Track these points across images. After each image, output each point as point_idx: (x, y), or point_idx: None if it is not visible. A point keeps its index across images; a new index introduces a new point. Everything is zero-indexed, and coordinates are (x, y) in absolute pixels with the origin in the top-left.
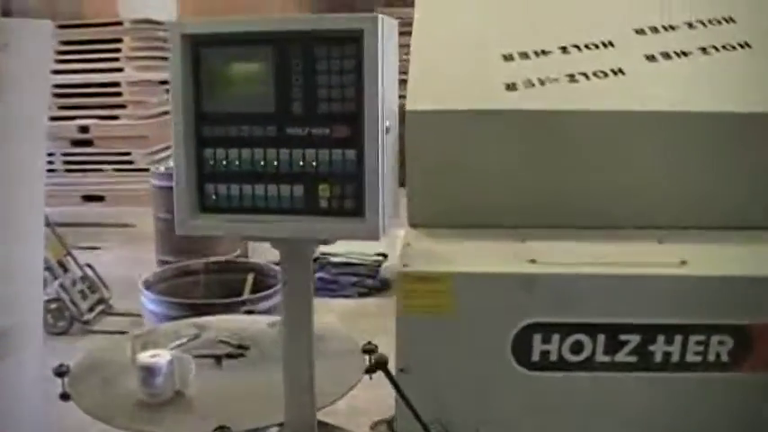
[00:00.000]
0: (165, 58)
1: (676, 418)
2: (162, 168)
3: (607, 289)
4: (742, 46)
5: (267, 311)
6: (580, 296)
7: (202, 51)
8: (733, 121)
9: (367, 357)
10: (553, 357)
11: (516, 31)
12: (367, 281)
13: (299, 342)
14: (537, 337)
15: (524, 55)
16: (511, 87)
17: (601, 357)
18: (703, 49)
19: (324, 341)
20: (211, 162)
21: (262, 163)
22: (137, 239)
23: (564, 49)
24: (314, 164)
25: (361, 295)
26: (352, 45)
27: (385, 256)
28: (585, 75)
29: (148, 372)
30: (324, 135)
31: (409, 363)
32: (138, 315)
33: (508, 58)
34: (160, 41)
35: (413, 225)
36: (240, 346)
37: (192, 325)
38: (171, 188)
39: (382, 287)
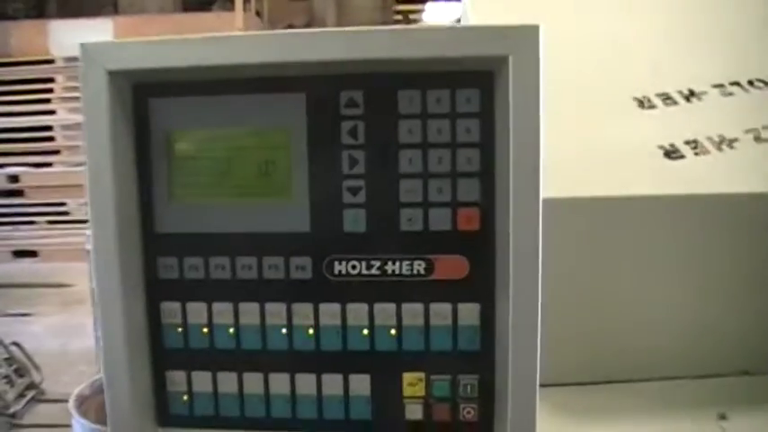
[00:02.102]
0: None
1: None
2: None
3: None
4: None
5: None
6: None
7: (156, 104)
8: None
9: None
10: None
11: (635, 61)
12: None
13: None
14: None
15: (667, 98)
16: (672, 154)
17: None
18: None
19: None
20: (178, 329)
21: (283, 331)
22: (74, 302)
23: (722, 89)
24: (393, 332)
25: None
26: (476, 88)
27: None
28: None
29: None
30: (413, 275)
31: None
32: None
33: (643, 103)
34: None
35: None
36: None
37: None
38: None
39: None
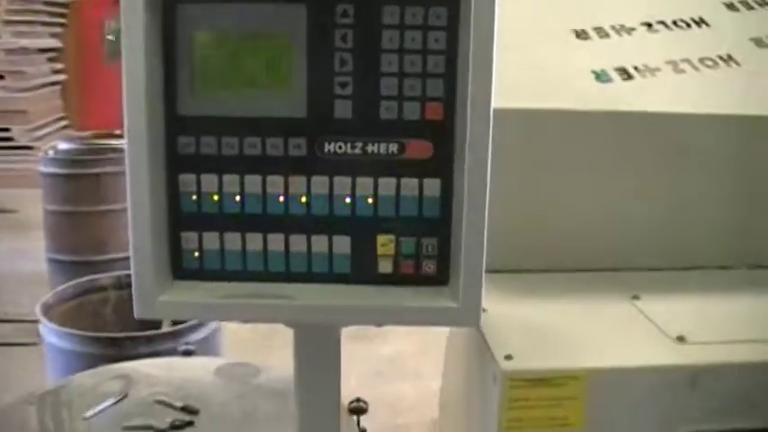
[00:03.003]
0: (46, 23)
1: None
2: (51, 152)
3: None
4: None
5: (203, 342)
6: (754, 391)
7: (182, 10)
8: None
9: (355, 418)
10: None
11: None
12: None
13: None
14: None
15: (602, 32)
16: (602, 77)
17: None
18: None
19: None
20: (193, 196)
21: (281, 199)
22: (21, 228)
23: (649, 26)
24: (370, 201)
25: None
26: (444, 7)
27: None
28: (690, 63)
29: None
30: (389, 155)
31: None
32: (32, 321)
33: (581, 34)
34: (40, 3)
35: None
36: (186, 409)
37: (114, 376)
38: (63, 176)
39: None
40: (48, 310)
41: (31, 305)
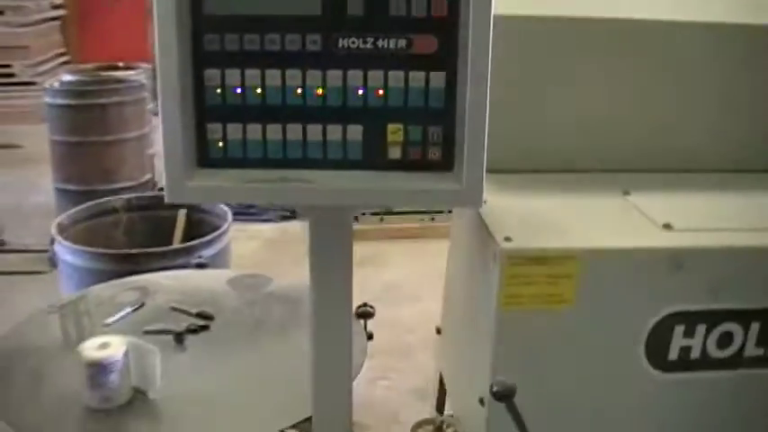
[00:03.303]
0: None
1: None
2: (56, 84)
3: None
4: None
5: (213, 258)
6: (736, 275)
7: None
8: None
9: (362, 322)
10: (695, 354)
11: None
12: None
13: (334, 335)
14: (679, 330)
15: None
16: None
17: (752, 351)
18: None
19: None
20: (218, 90)
21: (298, 91)
22: (25, 162)
23: None
24: (381, 92)
25: (283, 218)
26: None
27: None
28: None
29: (99, 369)
30: (398, 50)
31: (514, 374)
32: (40, 251)
33: None
34: None
35: None
36: (201, 315)
37: (131, 287)
38: (69, 107)
39: None
40: (62, 230)
41: (37, 236)
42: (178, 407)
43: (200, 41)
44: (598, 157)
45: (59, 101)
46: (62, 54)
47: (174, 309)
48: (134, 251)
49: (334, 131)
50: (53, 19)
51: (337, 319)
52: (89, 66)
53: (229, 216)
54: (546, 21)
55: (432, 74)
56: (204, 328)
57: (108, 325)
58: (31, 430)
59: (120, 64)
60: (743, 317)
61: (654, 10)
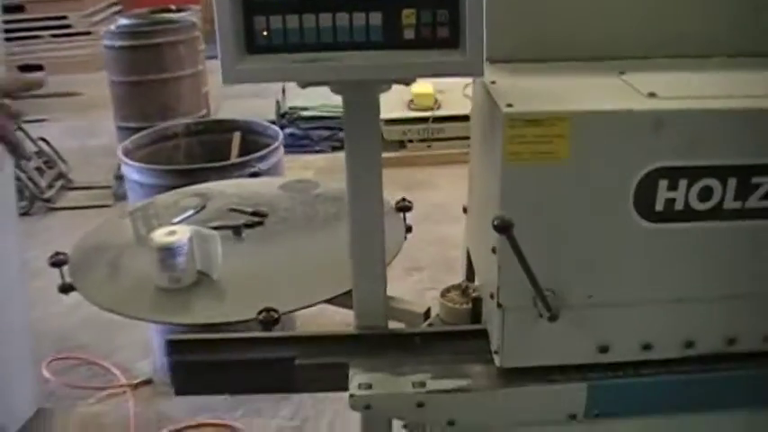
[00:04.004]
0: None
1: None
2: (113, 27)
3: (740, 125)
4: None
5: (268, 171)
6: (712, 135)
7: None
8: None
9: (402, 215)
10: (678, 206)
11: None
12: (339, 134)
13: (369, 207)
14: (663, 184)
15: None
16: None
17: (731, 204)
18: None
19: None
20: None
21: None
22: (86, 108)
23: None
24: None
25: (335, 149)
26: None
27: None
28: None
29: (168, 252)
30: None
31: (517, 218)
32: (104, 187)
33: None
34: None
35: None
36: (256, 213)
37: (192, 194)
38: (125, 47)
39: None
40: (127, 154)
41: (101, 174)
42: (238, 286)
43: None
44: (599, 46)
45: (117, 43)
46: (114, 4)
47: (232, 209)
48: (194, 166)
49: (359, 18)
50: None
51: (371, 185)
52: (143, 10)
53: (280, 135)
54: None
55: None
56: (259, 223)
57: (174, 224)
58: (111, 306)
59: (173, 7)
60: (720, 172)
61: None
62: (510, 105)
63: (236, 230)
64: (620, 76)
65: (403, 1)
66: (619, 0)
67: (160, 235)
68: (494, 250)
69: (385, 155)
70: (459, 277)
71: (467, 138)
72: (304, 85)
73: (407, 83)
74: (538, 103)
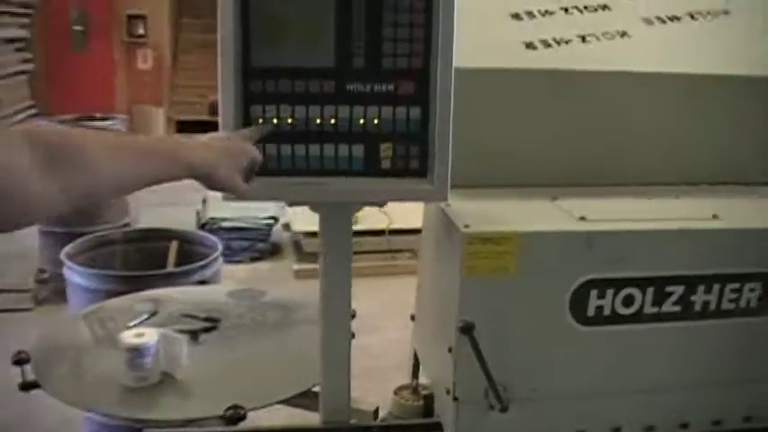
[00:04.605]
0: (12, 14)
1: (711, 361)
2: None
3: (655, 244)
4: (723, 12)
5: (209, 280)
6: (633, 251)
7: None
8: (743, 84)
9: None
10: (606, 312)
11: None
12: (258, 245)
13: (339, 313)
14: (593, 293)
15: (530, 14)
16: (530, 46)
17: (649, 309)
18: (691, 15)
19: (294, 310)
20: (260, 121)
21: (318, 121)
22: None
23: (566, 10)
24: (376, 122)
25: (254, 260)
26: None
27: (275, 219)
28: (595, 36)
29: (136, 353)
30: (387, 92)
31: (472, 324)
32: (22, 291)
33: (515, 17)
34: None
35: None
36: (209, 319)
37: (144, 299)
38: None
39: (274, 251)
40: (70, 257)
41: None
42: (201, 385)
43: (248, 85)
44: (536, 175)
45: None
46: (31, 107)
47: (185, 315)
48: (142, 273)
49: (343, 149)
50: (22, 73)
51: (342, 287)
52: (68, 116)
53: (219, 245)
54: (494, 71)
55: (411, 108)
56: (213, 328)
57: (130, 327)
58: (80, 403)
59: (98, 115)
60: (640, 282)
61: (570, 61)
62: (467, 226)
63: (194, 335)
64: (554, 201)
65: (382, 136)
66: (555, 142)
67: (128, 336)
68: (450, 350)
69: (304, 266)
70: (389, 385)
71: (385, 251)
72: (290, 203)
73: (381, 205)
74: (490, 224)
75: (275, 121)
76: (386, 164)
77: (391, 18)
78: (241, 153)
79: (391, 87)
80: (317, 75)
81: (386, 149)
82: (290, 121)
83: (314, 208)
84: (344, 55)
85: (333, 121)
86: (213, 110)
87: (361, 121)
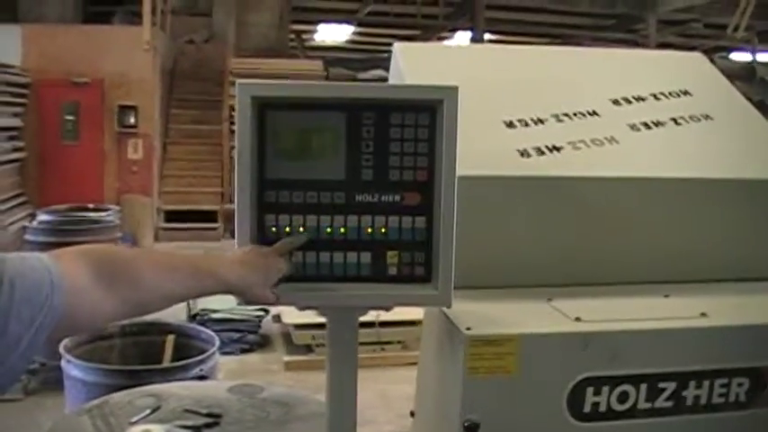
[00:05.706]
0: (7, 103)
1: None
2: (35, 222)
3: (647, 342)
4: (705, 117)
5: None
6: (626, 350)
7: (270, 114)
8: (727, 187)
9: None
10: (602, 408)
11: (507, 99)
12: (248, 336)
13: (344, 410)
14: (590, 390)
15: (524, 122)
16: (524, 154)
17: (643, 405)
18: (674, 120)
19: (294, 406)
20: (273, 228)
21: (328, 230)
22: None
23: (557, 117)
24: (383, 231)
25: (243, 351)
26: (427, 114)
27: (266, 311)
28: (585, 143)
29: None
30: (394, 202)
31: (477, 423)
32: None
33: (509, 125)
34: (3, 84)
35: None
36: (210, 415)
37: (146, 395)
38: (48, 244)
39: (264, 343)
40: (68, 351)
41: None
42: None
43: (263, 195)
44: (531, 276)
45: (39, 238)
46: (20, 194)
47: (187, 410)
48: (140, 367)
49: (352, 256)
50: (14, 161)
51: (348, 388)
52: (61, 206)
53: (216, 340)
54: (489, 179)
55: (417, 218)
56: (216, 424)
57: (133, 423)
58: None
59: (90, 205)
60: (634, 380)
61: (562, 168)
62: (469, 329)
63: (197, 430)
64: (549, 302)
65: (389, 244)
66: (545, 240)
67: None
68: None
69: (294, 358)
70: None
71: (372, 343)
72: (301, 308)
73: (387, 310)
74: (491, 326)
75: (287, 229)
76: (392, 270)
77: (398, 134)
78: (273, 269)
79: (398, 198)
80: (328, 186)
81: (392, 257)
82: (301, 229)
83: (321, 312)
84: (354, 168)
85: (342, 229)
86: None
87: (369, 230)
